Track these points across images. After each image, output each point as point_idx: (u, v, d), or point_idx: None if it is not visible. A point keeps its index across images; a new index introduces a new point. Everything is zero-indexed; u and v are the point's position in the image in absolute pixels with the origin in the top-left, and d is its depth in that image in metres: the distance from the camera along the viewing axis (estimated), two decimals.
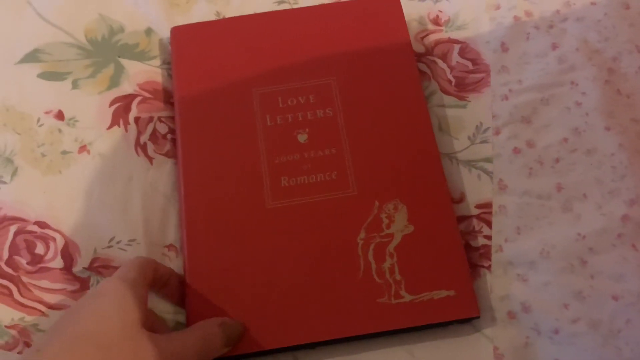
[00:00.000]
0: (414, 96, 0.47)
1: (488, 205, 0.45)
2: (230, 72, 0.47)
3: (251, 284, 0.40)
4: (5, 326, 0.40)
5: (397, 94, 0.47)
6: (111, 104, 0.48)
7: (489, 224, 0.45)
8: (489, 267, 0.43)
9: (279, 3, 0.53)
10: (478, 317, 0.40)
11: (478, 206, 0.46)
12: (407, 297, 0.40)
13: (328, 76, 0.47)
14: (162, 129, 0.47)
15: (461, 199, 0.46)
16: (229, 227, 0.42)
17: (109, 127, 0.47)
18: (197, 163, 0.44)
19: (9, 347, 0.40)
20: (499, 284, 0.43)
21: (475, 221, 0.45)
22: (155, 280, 0.39)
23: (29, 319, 0.41)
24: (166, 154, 0.47)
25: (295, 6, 0.53)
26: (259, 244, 0.41)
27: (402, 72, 0.47)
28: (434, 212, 0.42)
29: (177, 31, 0.49)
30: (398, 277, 0.40)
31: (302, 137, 0.45)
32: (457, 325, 0.41)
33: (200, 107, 0.46)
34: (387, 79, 0.47)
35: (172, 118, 0.48)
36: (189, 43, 0.49)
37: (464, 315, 0.40)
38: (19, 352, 0.40)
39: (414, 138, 0.45)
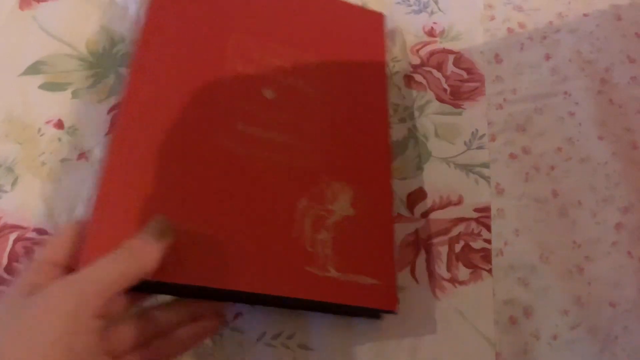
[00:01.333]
0: (377, 98, 0.47)
1: (486, 209, 0.46)
2: (208, 18, 0.45)
3: (179, 214, 0.37)
4: None
5: (363, 91, 0.47)
6: (109, 111, 0.48)
7: (488, 227, 0.45)
8: (489, 271, 0.44)
9: None
10: (395, 313, 0.40)
11: (477, 210, 0.46)
12: (334, 274, 0.39)
13: (308, 52, 0.47)
14: None
15: (459, 201, 0.47)
16: (167, 145, 0.39)
17: (107, 134, 0.47)
18: (147, 80, 0.41)
19: None
20: (501, 288, 0.43)
21: (474, 224, 0.46)
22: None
23: None
24: None
25: None
26: (200, 173, 0.39)
27: (371, 74, 0.48)
28: (376, 205, 0.42)
29: None
30: (329, 252, 0.40)
31: (268, 93, 0.44)
32: (367, 319, 0.41)
33: (168, 41, 0.43)
34: (356, 74, 0.47)
35: None
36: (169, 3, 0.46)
37: (383, 305, 0.39)
38: None
39: (372, 137, 0.45)
